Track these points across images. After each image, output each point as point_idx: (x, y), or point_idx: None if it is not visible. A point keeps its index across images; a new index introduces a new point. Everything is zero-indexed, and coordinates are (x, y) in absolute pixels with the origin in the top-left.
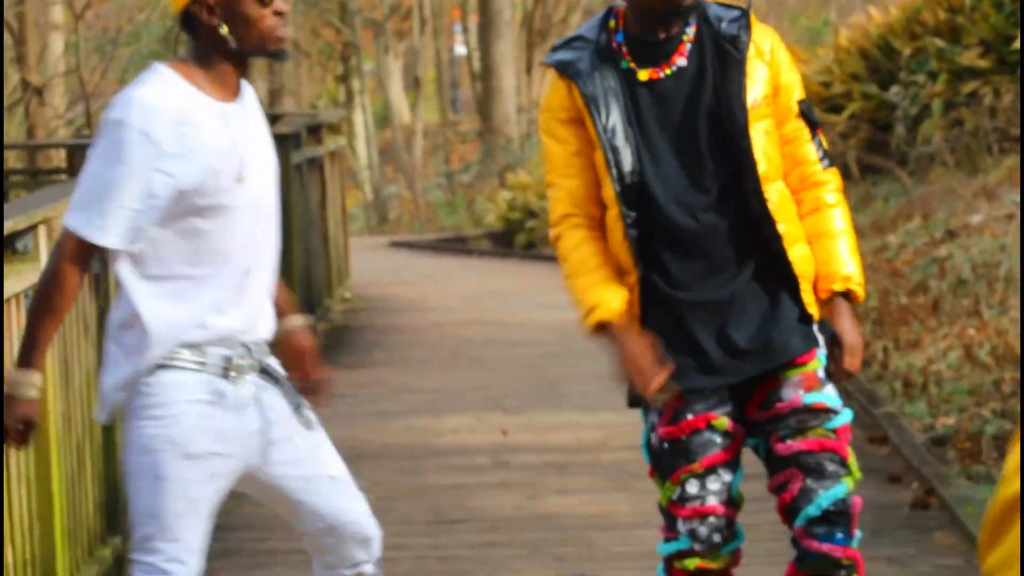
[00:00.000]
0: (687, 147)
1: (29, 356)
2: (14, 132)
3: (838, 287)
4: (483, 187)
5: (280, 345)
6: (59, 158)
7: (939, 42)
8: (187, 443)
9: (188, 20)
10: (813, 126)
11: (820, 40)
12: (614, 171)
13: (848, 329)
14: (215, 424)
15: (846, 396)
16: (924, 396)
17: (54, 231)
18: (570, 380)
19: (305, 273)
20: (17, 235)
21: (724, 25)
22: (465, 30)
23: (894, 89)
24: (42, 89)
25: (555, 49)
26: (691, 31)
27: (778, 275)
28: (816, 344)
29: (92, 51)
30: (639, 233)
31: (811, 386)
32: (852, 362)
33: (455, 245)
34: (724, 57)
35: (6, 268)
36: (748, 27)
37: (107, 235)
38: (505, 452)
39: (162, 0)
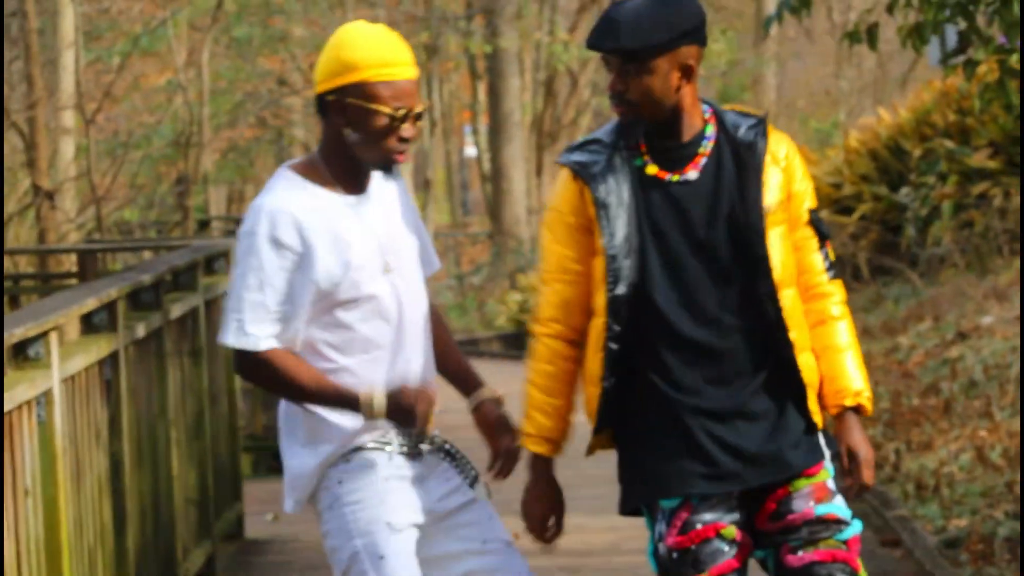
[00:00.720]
0: (703, 253)
1: (352, 399)
2: (25, 236)
3: (849, 403)
4: (494, 289)
5: (474, 419)
6: (70, 262)
7: (949, 143)
8: (394, 519)
9: (318, 106)
10: (822, 236)
11: (830, 142)
12: (610, 282)
13: (860, 443)
14: (407, 498)
15: (857, 498)
16: (936, 498)
17: (65, 337)
18: (579, 483)
19: None
20: (29, 341)
21: (741, 132)
22: (475, 132)
23: (904, 190)
24: (53, 193)
25: (570, 150)
26: (708, 145)
27: (787, 383)
28: (823, 455)
29: (103, 155)
30: (621, 347)
31: (821, 497)
32: (867, 475)
33: (466, 347)
34: (741, 163)
35: (17, 375)
36: (765, 134)
37: (260, 341)
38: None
39: (172, 103)
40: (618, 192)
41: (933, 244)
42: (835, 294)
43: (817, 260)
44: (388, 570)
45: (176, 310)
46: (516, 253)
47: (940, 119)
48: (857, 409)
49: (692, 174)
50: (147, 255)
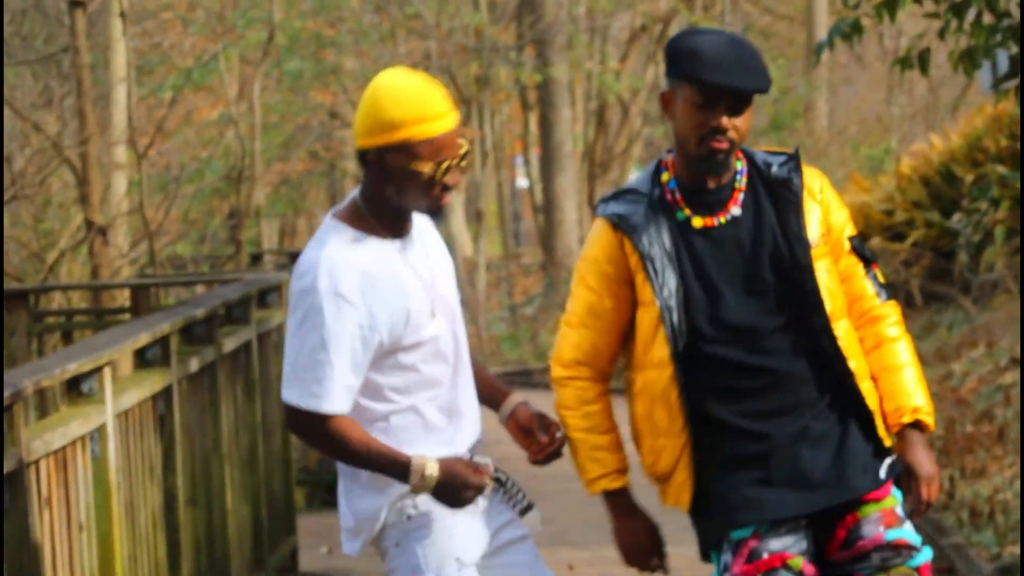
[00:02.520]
0: (752, 291)
1: (403, 467)
2: (78, 272)
3: (907, 419)
4: (546, 320)
5: (508, 428)
6: (123, 297)
7: (1001, 169)
8: (463, 554)
9: (360, 158)
10: (867, 261)
11: (882, 168)
12: (669, 332)
13: (923, 461)
14: (473, 531)
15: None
16: (991, 525)
17: (118, 372)
18: None
19: None
20: (82, 377)
21: (774, 169)
22: (527, 162)
23: (956, 216)
24: (106, 229)
25: (606, 201)
26: (742, 180)
27: (850, 410)
28: (890, 479)
29: (155, 189)
30: (690, 396)
31: (891, 523)
32: (930, 492)
33: (519, 378)
34: (779, 200)
35: (71, 410)
36: (799, 168)
37: (325, 402)
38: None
39: (224, 137)
40: (660, 243)
41: (986, 270)
42: (890, 315)
43: (867, 285)
44: None
45: (229, 344)
46: (568, 283)
47: (992, 144)
48: (918, 425)
49: (735, 210)
50: (200, 289)
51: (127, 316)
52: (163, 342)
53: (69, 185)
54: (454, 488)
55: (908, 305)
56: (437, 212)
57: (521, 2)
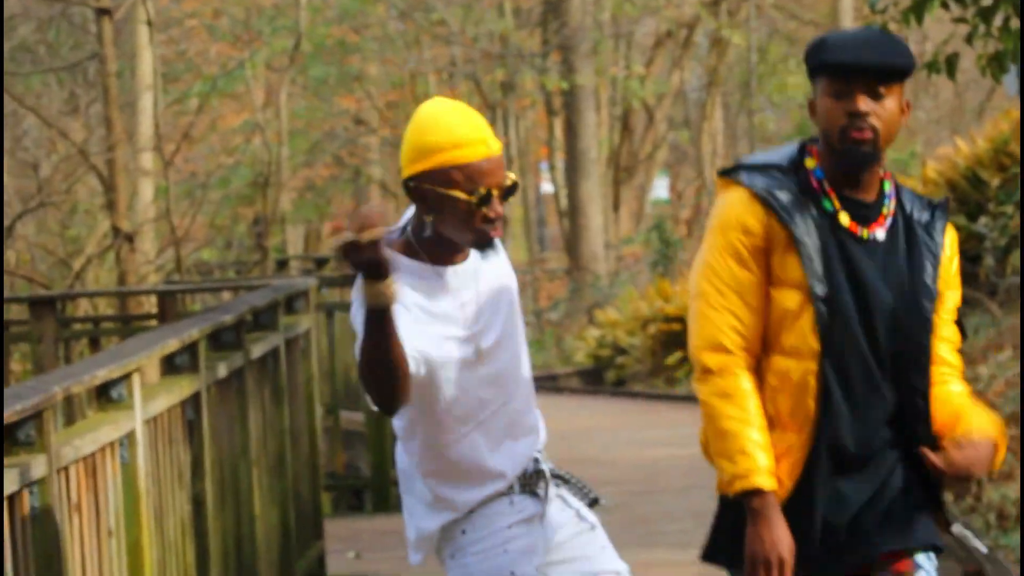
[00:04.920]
0: (869, 321)
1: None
2: (105, 278)
3: (994, 436)
4: (572, 325)
5: None
6: (150, 304)
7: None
8: (518, 568)
9: (407, 187)
10: (962, 334)
11: (907, 172)
12: (823, 326)
13: (977, 440)
14: (529, 542)
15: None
16: (1019, 528)
17: (147, 378)
18: (663, 518)
19: None
20: (111, 383)
21: (920, 210)
22: (552, 168)
23: (982, 220)
24: (133, 235)
25: (744, 168)
26: (891, 203)
27: (915, 474)
28: (931, 545)
29: (181, 196)
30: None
31: (901, 570)
32: (959, 455)
33: (545, 383)
34: (916, 244)
35: (100, 416)
36: (945, 217)
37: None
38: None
39: (250, 144)
40: (810, 230)
41: (1012, 273)
42: (964, 385)
43: (957, 357)
44: None
45: (257, 350)
46: (594, 288)
47: (1018, 148)
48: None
49: (880, 233)
50: (226, 296)
51: (154, 322)
52: (191, 348)
53: (96, 192)
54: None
55: None
56: (483, 245)
57: (546, 8)
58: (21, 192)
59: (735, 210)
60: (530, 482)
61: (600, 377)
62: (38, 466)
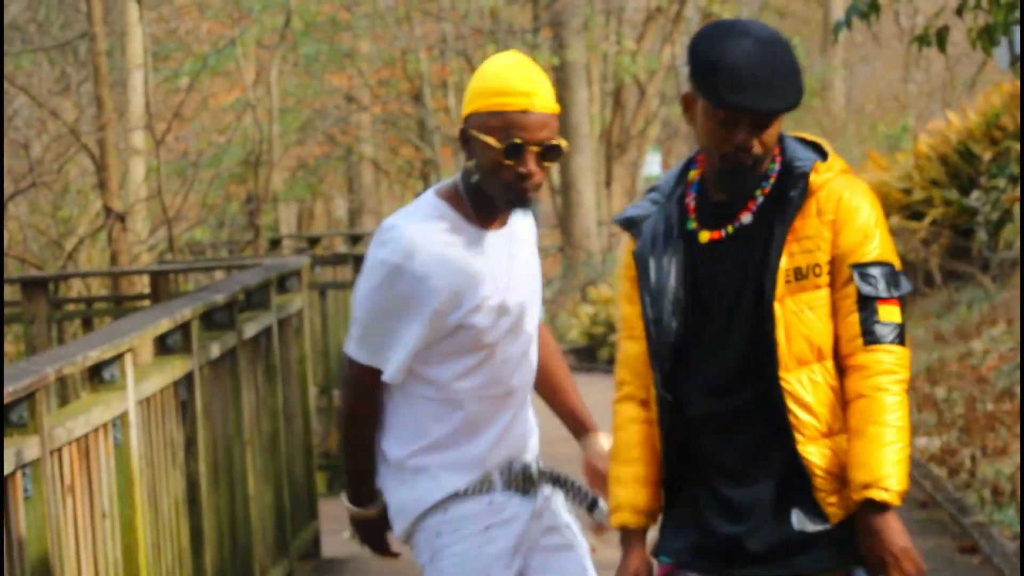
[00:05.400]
0: (724, 319)
1: (362, 493)
2: (97, 259)
3: (856, 496)
4: (565, 302)
5: (583, 468)
6: (142, 284)
7: (1019, 146)
8: (494, 570)
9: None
10: (864, 297)
11: (899, 146)
12: (652, 346)
13: (871, 547)
14: (507, 545)
15: (933, 505)
16: (1013, 503)
17: (139, 359)
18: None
19: None
20: (104, 364)
21: (788, 181)
22: None
23: (975, 194)
24: (124, 215)
25: (641, 198)
26: (769, 182)
27: (796, 474)
28: (840, 564)
29: (173, 175)
30: (673, 419)
31: None
32: (903, 570)
33: None
34: (775, 218)
35: (93, 397)
36: (804, 188)
37: (389, 366)
38: (596, 568)
39: (241, 122)
40: (662, 246)
41: (1005, 247)
42: (871, 364)
43: (852, 323)
44: None
45: (250, 329)
46: (587, 266)
47: (1010, 122)
48: (873, 504)
49: (746, 218)
50: (219, 275)
51: (146, 302)
52: (184, 328)
53: (87, 171)
54: (361, 538)
55: (927, 283)
56: (514, 202)
57: None
58: (12, 172)
59: (622, 244)
60: (516, 480)
61: (594, 355)
62: (31, 448)
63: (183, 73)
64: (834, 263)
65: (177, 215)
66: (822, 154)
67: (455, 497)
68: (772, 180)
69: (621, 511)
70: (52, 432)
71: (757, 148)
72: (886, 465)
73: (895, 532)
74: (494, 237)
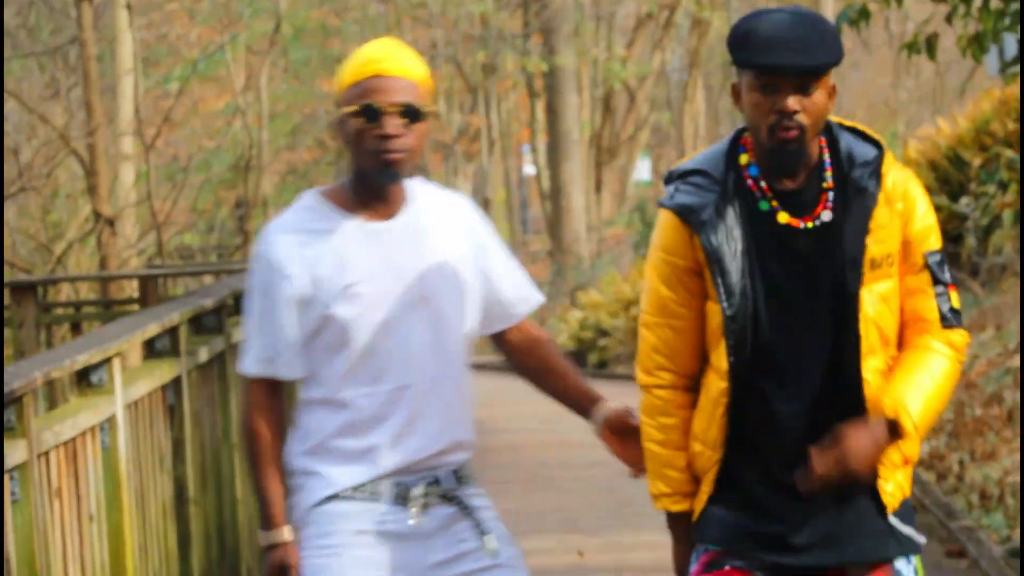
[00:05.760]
0: (807, 313)
1: (268, 516)
2: (86, 263)
3: (874, 412)
4: (554, 307)
5: (603, 438)
6: (132, 288)
7: (1009, 152)
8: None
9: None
10: (940, 282)
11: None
12: (731, 342)
13: (850, 434)
14: (373, 556)
15: (921, 509)
16: (1001, 507)
17: (128, 363)
18: (647, 499)
19: None
20: (92, 368)
21: (856, 171)
22: (534, 150)
23: (964, 200)
24: (114, 220)
25: (671, 181)
26: (829, 175)
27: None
28: (897, 552)
29: (162, 180)
30: (743, 410)
31: None
32: (820, 464)
33: None
34: (850, 208)
35: (81, 401)
36: (878, 176)
37: (276, 367)
38: (583, 573)
39: (231, 127)
40: (730, 243)
41: (994, 253)
42: (946, 340)
43: (933, 307)
44: None
45: (238, 334)
46: (576, 270)
47: (1000, 128)
48: (894, 428)
49: (826, 215)
50: (208, 279)
51: (135, 307)
52: (172, 332)
53: (76, 176)
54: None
55: None
56: (385, 169)
57: None
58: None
59: (663, 230)
60: (409, 496)
61: (583, 359)
62: (18, 451)
63: (173, 78)
64: (904, 250)
65: (166, 220)
66: (870, 141)
67: (337, 497)
68: (830, 172)
69: (679, 498)
70: (40, 436)
71: (802, 117)
72: (917, 402)
73: (871, 447)
74: (378, 227)
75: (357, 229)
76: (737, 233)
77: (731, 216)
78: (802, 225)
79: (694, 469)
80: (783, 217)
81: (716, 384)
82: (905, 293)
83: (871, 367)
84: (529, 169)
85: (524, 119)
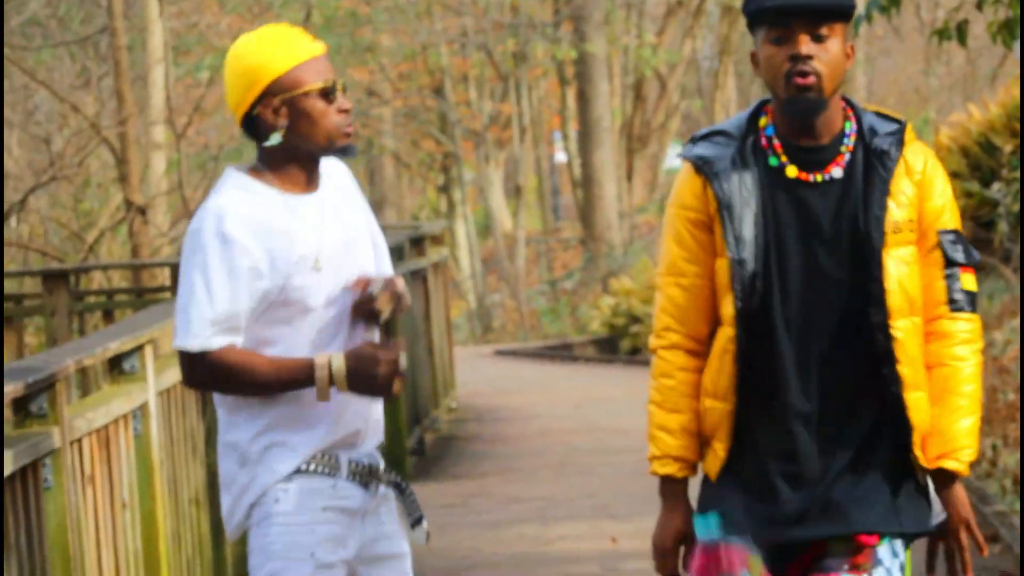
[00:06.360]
0: (820, 267)
1: (302, 369)
2: (118, 251)
3: (930, 465)
4: (586, 294)
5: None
6: (163, 276)
7: None
8: (320, 552)
9: (252, 126)
10: (951, 262)
11: (921, 139)
12: (737, 287)
13: (955, 505)
14: (339, 532)
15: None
16: None
17: (160, 351)
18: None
19: (411, 384)
20: (124, 356)
21: (877, 139)
22: (565, 137)
23: (996, 186)
24: (145, 208)
25: (694, 140)
26: (850, 140)
27: (894, 425)
28: (900, 531)
29: (193, 168)
30: (752, 359)
31: (858, 562)
32: (963, 539)
33: (560, 352)
34: (871, 173)
35: (113, 389)
36: (900, 143)
37: (210, 341)
38: (615, 559)
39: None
40: (743, 192)
41: None
42: (958, 332)
43: (940, 288)
44: None
45: None
46: (608, 257)
47: None
48: (945, 473)
49: (836, 171)
50: None
51: (167, 294)
52: None
53: (108, 165)
54: (367, 371)
55: None
56: (345, 146)
57: None
58: (33, 166)
59: (679, 185)
60: (360, 472)
61: (615, 346)
62: (51, 439)
63: (203, 67)
64: (920, 224)
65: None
66: (894, 121)
67: (300, 472)
68: (852, 139)
69: (668, 461)
70: (72, 423)
71: (817, 63)
72: (961, 437)
73: (961, 503)
74: (304, 200)
75: (292, 203)
76: (750, 185)
77: (746, 169)
78: (811, 178)
79: (704, 428)
80: (791, 171)
81: (725, 333)
82: (921, 271)
83: (908, 328)
84: (560, 156)
85: (555, 107)
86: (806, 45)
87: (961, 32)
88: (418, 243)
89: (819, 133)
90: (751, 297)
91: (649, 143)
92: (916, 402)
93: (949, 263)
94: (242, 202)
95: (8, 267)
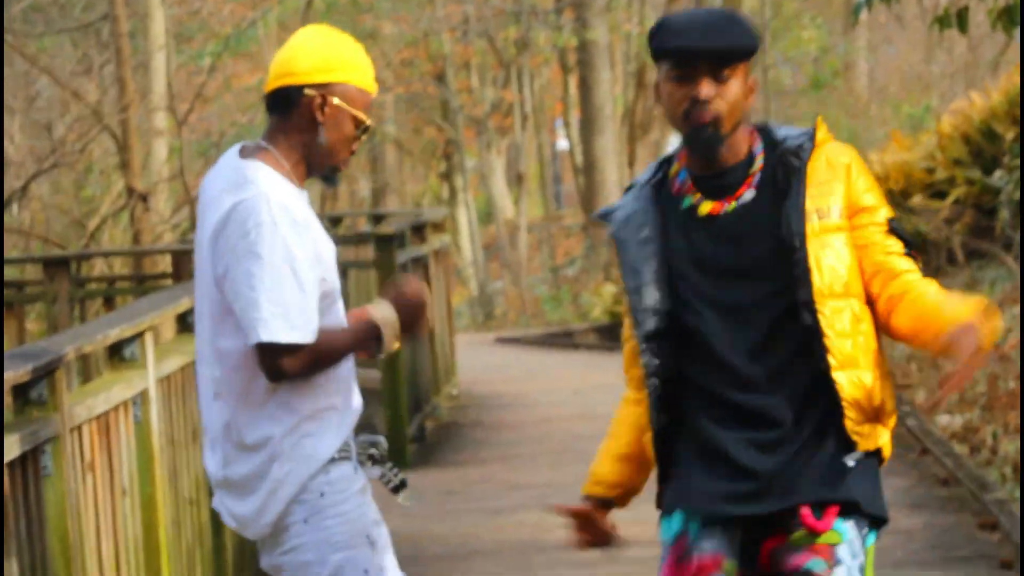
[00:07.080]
0: (741, 281)
1: (369, 331)
2: (119, 238)
3: (949, 326)
4: (588, 281)
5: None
6: (165, 263)
7: None
8: (373, 533)
9: (284, 98)
10: (908, 244)
11: (923, 127)
12: (638, 317)
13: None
14: (375, 508)
15: (954, 482)
16: None
17: (160, 337)
18: None
19: (412, 371)
20: (124, 342)
21: (789, 141)
22: (567, 125)
23: (998, 173)
24: (147, 195)
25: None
26: (759, 159)
27: (820, 405)
28: (835, 512)
29: (195, 155)
30: (662, 386)
31: (820, 555)
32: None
33: (561, 339)
34: (787, 170)
35: (113, 375)
36: (812, 138)
37: (308, 334)
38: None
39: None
40: (641, 226)
41: None
42: (912, 278)
43: (900, 263)
44: None
45: None
46: (609, 245)
47: None
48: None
49: (748, 194)
50: None
51: (168, 281)
52: None
53: (110, 152)
54: (412, 315)
55: (950, 262)
56: (335, 176)
57: None
58: (35, 152)
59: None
60: (362, 452)
61: (616, 333)
62: (51, 425)
63: (205, 54)
64: (858, 215)
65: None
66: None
67: (333, 460)
68: (761, 156)
69: (590, 481)
70: (72, 410)
71: (718, 104)
72: (970, 308)
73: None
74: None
75: (304, 198)
76: (650, 220)
77: (649, 208)
78: (723, 210)
79: (648, 456)
80: (704, 209)
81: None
82: (873, 251)
83: (837, 307)
84: (562, 144)
85: (557, 94)
86: (707, 87)
87: (962, 19)
88: (420, 230)
89: (724, 159)
90: (650, 323)
91: (651, 130)
92: (848, 381)
93: (907, 244)
94: (285, 192)
95: (9, 254)
